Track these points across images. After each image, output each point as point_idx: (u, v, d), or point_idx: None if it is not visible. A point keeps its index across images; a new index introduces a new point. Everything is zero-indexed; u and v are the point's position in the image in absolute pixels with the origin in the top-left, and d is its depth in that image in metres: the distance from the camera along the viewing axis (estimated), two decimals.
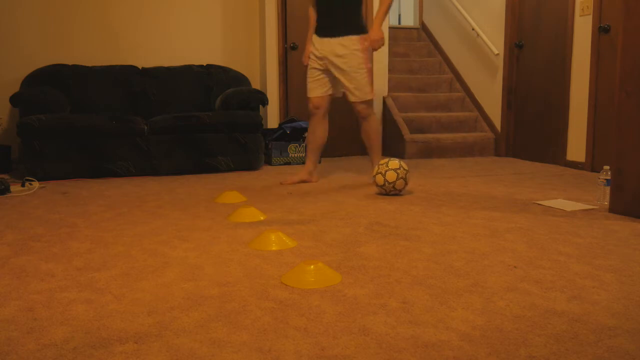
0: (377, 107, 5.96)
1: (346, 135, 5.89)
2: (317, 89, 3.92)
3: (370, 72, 3.82)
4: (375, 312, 1.62)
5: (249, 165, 4.70)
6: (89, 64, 5.10)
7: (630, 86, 2.83)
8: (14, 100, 4.28)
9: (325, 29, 3.82)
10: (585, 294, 1.76)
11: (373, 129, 3.95)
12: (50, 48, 5.02)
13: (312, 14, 3.96)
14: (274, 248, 2.30)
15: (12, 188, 3.75)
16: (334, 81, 3.91)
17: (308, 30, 4.00)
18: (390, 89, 6.19)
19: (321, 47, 3.83)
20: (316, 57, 3.87)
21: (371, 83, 3.84)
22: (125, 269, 2.05)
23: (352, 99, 3.86)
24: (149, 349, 1.40)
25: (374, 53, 4.24)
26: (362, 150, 5.96)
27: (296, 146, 5.13)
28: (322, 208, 3.13)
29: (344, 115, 5.87)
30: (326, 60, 3.83)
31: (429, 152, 5.62)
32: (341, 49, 3.76)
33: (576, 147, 4.75)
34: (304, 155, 5.16)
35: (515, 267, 2.04)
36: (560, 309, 1.64)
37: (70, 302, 1.72)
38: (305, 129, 5.15)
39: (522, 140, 5.49)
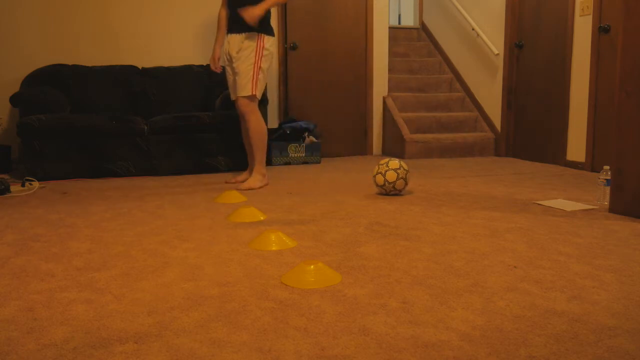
0: (377, 107, 5.97)
1: (346, 135, 5.89)
2: (233, 93, 3.90)
3: (258, 70, 3.71)
4: (375, 312, 1.62)
5: (249, 165, 4.69)
6: (89, 64, 5.10)
7: (630, 86, 2.83)
8: (14, 100, 4.28)
9: (231, 25, 3.79)
10: (585, 294, 1.76)
11: (251, 129, 3.77)
12: (50, 48, 5.02)
13: (223, 14, 3.91)
14: (274, 248, 2.30)
15: (12, 188, 3.75)
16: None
17: (217, 32, 3.93)
18: (390, 89, 6.19)
19: (228, 45, 3.81)
20: (229, 55, 3.82)
21: (255, 81, 3.71)
22: (125, 269, 2.05)
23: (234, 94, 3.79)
24: (149, 349, 1.40)
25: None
26: (361, 150, 5.97)
27: (296, 146, 5.13)
28: (322, 208, 3.13)
29: (343, 116, 5.87)
30: (229, 57, 3.81)
31: (429, 152, 5.62)
32: (239, 45, 3.72)
33: (576, 147, 4.75)
34: (304, 155, 5.16)
35: (515, 267, 2.04)
36: (560, 309, 1.64)
37: (70, 302, 1.72)
38: (306, 129, 5.16)
39: (522, 140, 5.49)
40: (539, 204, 3.20)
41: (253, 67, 3.70)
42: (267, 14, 3.76)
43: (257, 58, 3.70)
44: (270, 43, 3.77)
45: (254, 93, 3.72)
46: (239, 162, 4.65)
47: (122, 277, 1.95)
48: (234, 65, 3.77)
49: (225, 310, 1.65)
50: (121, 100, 4.91)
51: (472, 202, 3.29)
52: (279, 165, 5.09)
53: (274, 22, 5.47)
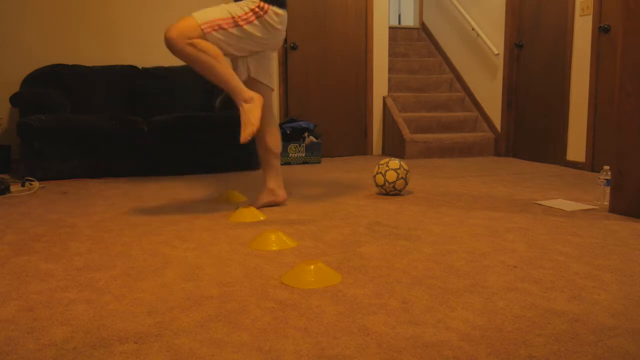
0: (377, 107, 5.96)
1: (346, 135, 5.89)
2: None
3: (231, 20, 2.74)
4: (375, 312, 1.62)
5: (249, 165, 4.69)
6: (89, 64, 5.09)
7: (630, 86, 2.82)
8: (14, 100, 4.28)
9: None
10: (585, 294, 1.76)
11: (192, 63, 2.80)
12: (51, 48, 5.02)
13: None
14: (274, 248, 2.30)
15: (12, 188, 3.75)
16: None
17: None
18: (390, 89, 6.19)
19: None
20: None
21: (216, 25, 2.71)
22: (125, 269, 2.05)
23: None
24: (149, 349, 1.40)
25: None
26: (361, 150, 5.96)
27: (296, 146, 5.13)
28: (322, 208, 3.13)
29: (343, 116, 5.87)
30: None
31: (429, 152, 5.62)
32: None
33: (576, 147, 4.75)
34: (304, 155, 5.16)
35: (515, 267, 2.04)
36: (560, 309, 1.64)
37: (70, 302, 1.72)
38: (306, 129, 5.16)
39: (522, 140, 5.49)
40: (539, 204, 3.20)
41: (227, 13, 2.75)
42: None
43: (239, 15, 2.77)
44: (271, 14, 2.82)
45: (200, 25, 2.67)
46: (239, 162, 4.65)
47: (122, 277, 1.95)
48: None
49: (225, 310, 1.65)
50: (121, 100, 4.91)
51: (472, 202, 3.29)
52: None
53: None
